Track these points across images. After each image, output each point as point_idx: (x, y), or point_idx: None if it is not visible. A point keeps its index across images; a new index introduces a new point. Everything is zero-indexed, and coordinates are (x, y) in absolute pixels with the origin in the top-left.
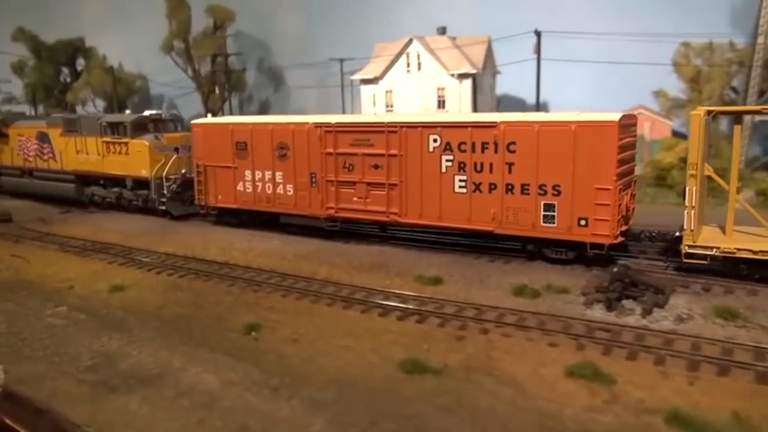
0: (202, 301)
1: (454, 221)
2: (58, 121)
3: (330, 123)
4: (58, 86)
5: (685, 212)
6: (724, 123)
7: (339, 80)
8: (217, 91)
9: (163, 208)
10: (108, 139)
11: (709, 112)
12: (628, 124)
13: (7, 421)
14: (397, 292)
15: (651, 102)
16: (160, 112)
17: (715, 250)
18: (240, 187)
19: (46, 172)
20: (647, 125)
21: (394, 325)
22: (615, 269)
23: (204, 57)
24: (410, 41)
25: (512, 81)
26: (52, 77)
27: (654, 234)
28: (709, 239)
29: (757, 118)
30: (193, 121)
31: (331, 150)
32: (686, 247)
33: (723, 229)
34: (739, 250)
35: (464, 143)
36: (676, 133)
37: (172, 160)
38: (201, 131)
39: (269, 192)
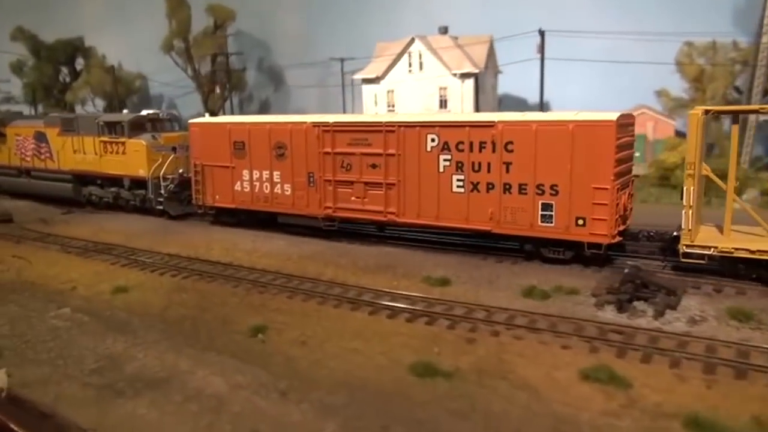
0: (207, 303)
1: (452, 221)
2: (55, 121)
3: (328, 122)
4: (57, 86)
5: (683, 212)
6: (727, 123)
7: (339, 80)
8: (218, 90)
9: (161, 207)
10: (105, 138)
11: (706, 112)
12: (625, 123)
13: (12, 425)
14: (405, 293)
15: (653, 102)
16: (157, 111)
17: (712, 249)
18: (238, 186)
19: (44, 172)
20: (650, 125)
21: (404, 327)
22: (626, 270)
23: (204, 56)
24: (412, 41)
25: (514, 80)
26: (51, 77)
27: (652, 234)
28: (706, 239)
29: (762, 117)
30: (191, 121)
31: (328, 149)
32: (684, 247)
33: (721, 228)
34: (736, 249)
35: (462, 143)
36: (679, 133)
37: (169, 160)
38: (198, 131)
39: (267, 192)
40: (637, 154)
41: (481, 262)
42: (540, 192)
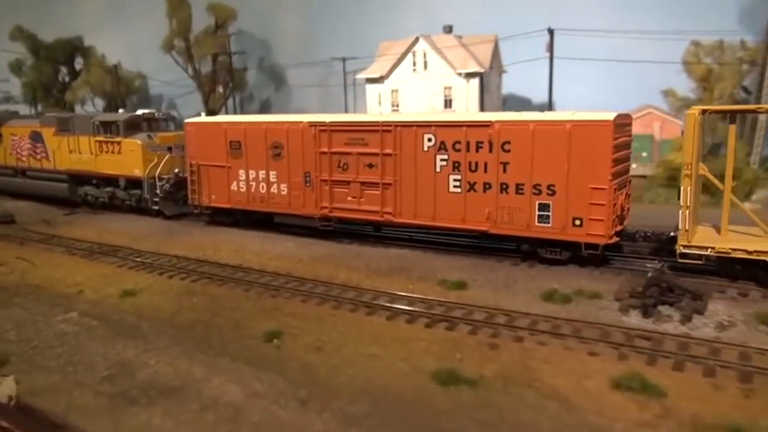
0: (218, 307)
1: (449, 221)
2: (51, 121)
3: (324, 122)
4: (56, 85)
5: (680, 212)
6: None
7: (341, 79)
8: (221, 90)
9: (156, 207)
10: (101, 138)
11: (704, 112)
12: (623, 123)
13: None
14: (422, 297)
15: (660, 101)
16: (153, 111)
17: (710, 250)
18: (234, 186)
19: (39, 172)
20: (657, 125)
21: (423, 333)
22: (650, 274)
23: (205, 56)
24: (416, 40)
25: (517, 80)
26: (50, 76)
27: (649, 234)
28: (704, 239)
29: None
30: (187, 120)
31: (325, 149)
32: (681, 247)
33: (718, 228)
34: (734, 250)
35: (459, 142)
36: None
37: (165, 160)
38: (194, 130)
39: (263, 191)
40: (644, 155)
41: (496, 264)
42: (537, 192)
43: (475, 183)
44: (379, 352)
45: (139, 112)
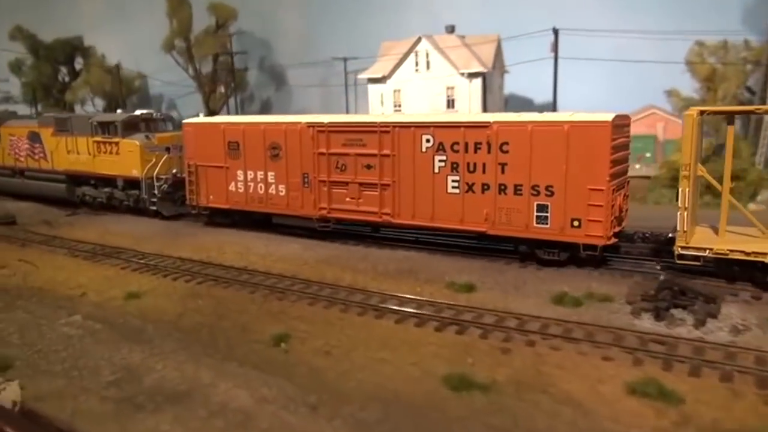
0: (224, 310)
1: (447, 222)
2: (49, 121)
3: (322, 123)
4: (56, 85)
5: (678, 213)
6: (737, 123)
7: (342, 79)
8: (222, 90)
9: (154, 208)
10: (99, 138)
11: (702, 113)
12: (621, 124)
13: None
14: (431, 300)
15: (663, 102)
16: (151, 111)
17: (707, 251)
18: (232, 187)
19: (37, 172)
20: (660, 125)
21: (433, 336)
22: (662, 277)
23: (205, 56)
24: (419, 40)
25: (518, 80)
26: (50, 76)
27: (647, 235)
28: (701, 240)
29: None
30: (185, 121)
31: (323, 150)
32: (679, 249)
33: (716, 229)
34: (731, 251)
35: (457, 143)
36: None
37: (163, 160)
38: (192, 131)
39: (261, 192)
40: (647, 155)
41: (504, 266)
42: (535, 193)
43: (473, 184)
44: (389, 356)
45: (137, 112)
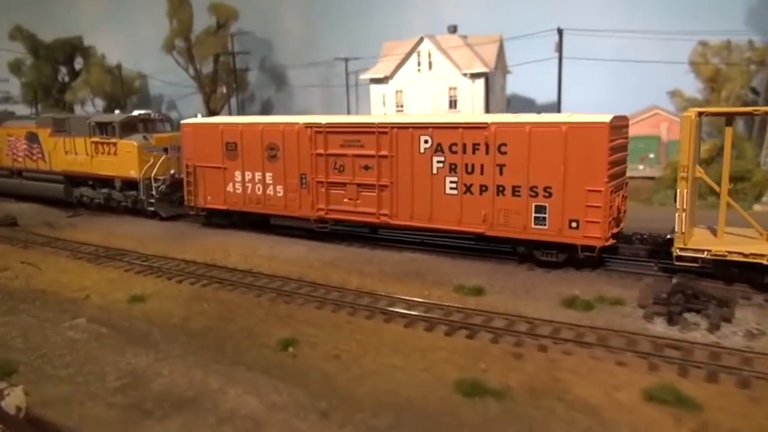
0: (230, 314)
1: (445, 223)
2: (47, 121)
3: (320, 123)
4: (56, 86)
5: (676, 214)
6: (740, 123)
7: (344, 80)
8: (224, 90)
9: (152, 209)
10: (97, 139)
11: (700, 114)
12: (619, 125)
13: None
14: (440, 303)
15: (667, 102)
16: (149, 112)
17: (706, 252)
18: (230, 188)
19: (35, 173)
20: (664, 126)
21: (443, 341)
22: (675, 280)
23: (206, 56)
24: (421, 40)
25: (519, 81)
26: (49, 76)
27: (645, 236)
28: (700, 242)
29: None
30: (183, 121)
31: (321, 151)
32: (677, 250)
33: (714, 231)
34: (730, 253)
35: (455, 144)
36: None
37: (161, 161)
38: (190, 131)
39: (259, 193)
40: (651, 156)
41: (513, 269)
42: (533, 194)
43: (471, 185)
44: (400, 361)
45: (135, 113)
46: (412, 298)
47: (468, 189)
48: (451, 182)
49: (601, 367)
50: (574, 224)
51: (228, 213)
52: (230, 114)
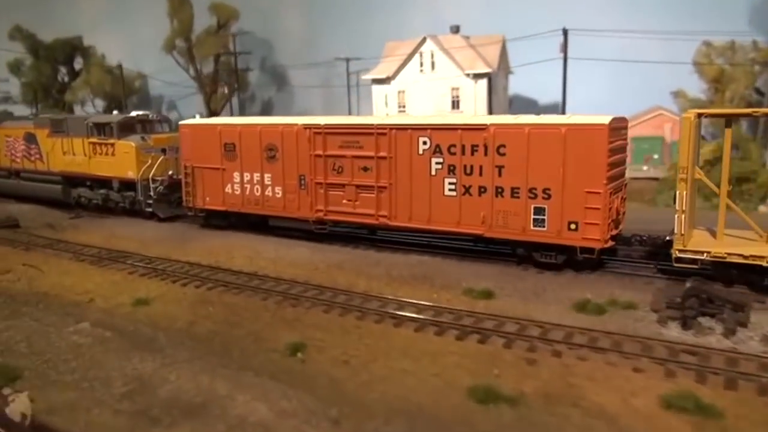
0: (236, 317)
1: (444, 224)
2: (45, 122)
3: (319, 124)
4: (56, 86)
5: (675, 216)
6: (745, 124)
7: (345, 80)
8: (226, 90)
9: (150, 210)
10: (94, 140)
11: (699, 115)
12: (618, 127)
13: None
14: (449, 307)
15: (671, 103)
16: (147, 112)
17: (705, 254)
18: (228, 189)
19: (33, 173)
20: (668, 126)
21: (454, 346)
22: (688, 284)
23: (207, 56)
24: (424, 40)
25: (520, 81)
26: (49, 76)
27: (644, 238)
28: (699, 243)
29: None
30: (181, 122)
31: (320, 152)
32: (677, 252)
33: (714, 232)
34: (729, 254)
35: (454, 146)
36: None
37: (159, 162)
38: (189, 132)
39: (258, 194)
40: (655, 157)
41: (522, 272)
42: (532, 196)
43: (470, 186)
44: (410, 366)
45: (133, 113)
46: (420, 302)
47: (467, 190)
48: (449, 183)
49: (616, 373)
50: (573, 226)
51: (226, 214)
52: (231, 114)
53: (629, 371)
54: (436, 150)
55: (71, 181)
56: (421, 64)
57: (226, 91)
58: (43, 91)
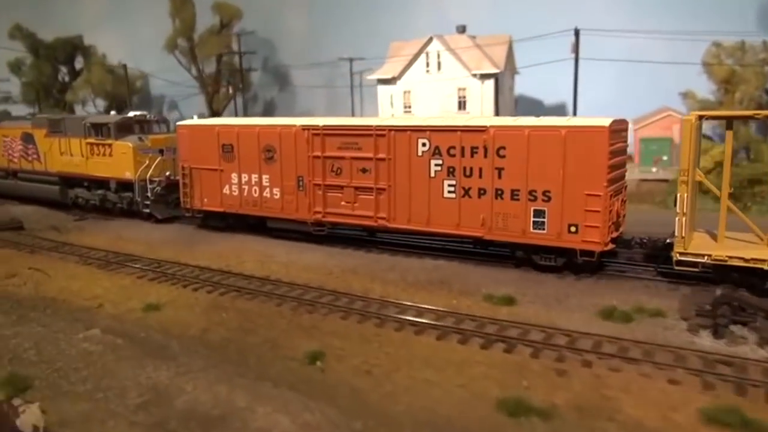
0: (251, 324)
1: (443, 227)
2: (42, 122)
3: (317, 126)
4: (56, 85)
5: (676, 219)
6: (753, 126)
7: (348, 80)
8: (230, 90)
9: (147, 210)
10: (92, 140)
11: (700, 118)
12: (618, 129)
13: None
14: (471, 314)
15: (679, 104)
16: (145, 113)
17: (706, 257)
18: (226, 190)
19: (31, 174)
20: (677, 127)
21: (479, 355)
22: (719, 291)
23: (209, 56)
24: (430, 40)
25: (528, 82)
26: (50, 76)
27: (644, 240)
28: (700, 246)
29: None
30: (179, 123)
31: (318, 153)
32: (677, 255)
33: (714, 235)
34: (730, 257)
35: (453, 147)
36: (706, 136)
37: (156, 162)
38: (187, 133)
39: (256, 195)
40: (664, 158)
41: (542, 277)
42: (532, 198)
43: (469, 188)
44: (434, 377)
45: (131, 114)
46: (440, 308)
47: (466, 192)
48: (449, 185)
49: (651, 385)
50: (573, 229)
51: (224, 215)
52: (235, 115)
53: (665, 383)
54: (436, 152)
55: (69, 181)
56: (428, 65)
57: (230, 91)
58: (43, 90)
